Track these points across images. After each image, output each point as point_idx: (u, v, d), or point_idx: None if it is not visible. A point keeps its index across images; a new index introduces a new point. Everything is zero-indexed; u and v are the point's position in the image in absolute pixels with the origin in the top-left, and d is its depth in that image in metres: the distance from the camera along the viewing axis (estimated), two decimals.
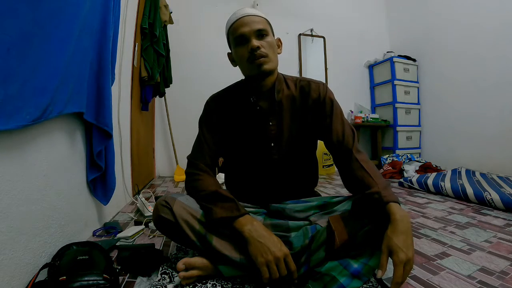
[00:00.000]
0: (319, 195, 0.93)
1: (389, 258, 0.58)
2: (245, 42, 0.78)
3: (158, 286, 0.69)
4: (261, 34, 0.78)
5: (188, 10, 2.98)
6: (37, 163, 0.74)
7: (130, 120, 1.76)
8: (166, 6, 2.35)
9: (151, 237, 1.08)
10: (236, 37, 0.79)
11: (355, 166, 0.74)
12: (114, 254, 0.91)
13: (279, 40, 0.87)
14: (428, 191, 1.94)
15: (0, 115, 0.55)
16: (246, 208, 0.77)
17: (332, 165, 3.03)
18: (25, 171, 0.68)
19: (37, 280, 0.66)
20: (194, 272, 0.69)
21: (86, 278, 0.64)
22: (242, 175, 0.93)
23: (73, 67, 0.84)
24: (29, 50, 0.62)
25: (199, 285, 0.70)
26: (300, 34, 3.34)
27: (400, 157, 2.89)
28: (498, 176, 2.09)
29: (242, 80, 0.90)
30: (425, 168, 2.58)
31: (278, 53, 0.84)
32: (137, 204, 1.48)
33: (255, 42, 0.76)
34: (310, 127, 0.86)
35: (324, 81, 3.11)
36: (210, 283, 0.70)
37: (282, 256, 0.64)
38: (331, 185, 2.31)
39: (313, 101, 0.84)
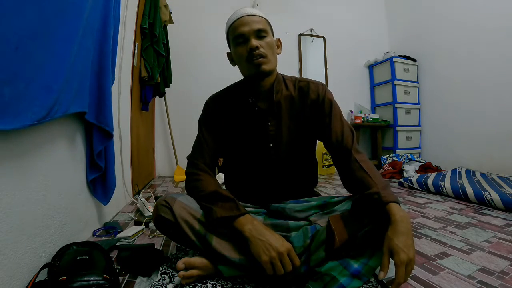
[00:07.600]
0: (319, 195, 0.93)
1: (391, 259, 0.58)
2: (245, 41, 0.78)
3: (158, 286, 0.69)
4: (260, 34, 0.77)
5: (188, 10, 2.98)
6: (37, 163, 0.74)
7: (130, 120, 1.76)
8: (166, 6, 2.35)
9: (151, 237, 1.08)
10: (235, 36, 0.79)
11: (354, 166, 0.74)
12: (114, 254, 0.91)
13: (278, 40, 0.87)
14: (428, 191, 1.94)
15: (6, 114, 0.55)
16: (246, 208, 0.76)
17: (332, 165, 3.03)
18: (26, 171, 0.68)
19: (37, 280, 0.66)
20: (194, 272, 0.69)
21: (86, 278, 0.64)
22: (242, 175, 0.93)
23: (78, 67, 0.83)
24: (35, 49, 0.62)
25: (199, 285, 0.70)
26: (300, 34, 3.34)
27: (400, 157, 2.89)
28: (498, 176, 2.08)
29: (241, 80, 0.90)
30: (425, 168, 2.58)
31: (278, 54, 0.84)
32: (137, 204, 1.48)
33: (254, 42, 0.76)
34: (309, 127, 0.86)
35: (324, 81, 3.13)
36: (210, 283, 0.70)
37: (285, 251, 0.64)
38: (331, 185, 2.31)
39: (312, 102, 0.84)
